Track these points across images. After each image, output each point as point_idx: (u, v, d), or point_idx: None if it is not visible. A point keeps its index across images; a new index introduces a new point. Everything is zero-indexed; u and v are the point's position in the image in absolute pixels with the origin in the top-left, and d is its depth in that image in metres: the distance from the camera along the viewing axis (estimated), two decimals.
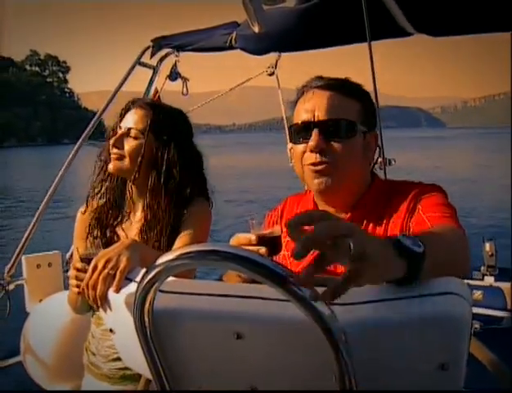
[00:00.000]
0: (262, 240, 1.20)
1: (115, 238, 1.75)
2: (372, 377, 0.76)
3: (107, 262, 1.14)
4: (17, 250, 2.81)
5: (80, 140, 2.98)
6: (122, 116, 1.75)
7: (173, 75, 3.32)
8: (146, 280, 0.89)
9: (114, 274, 1.10)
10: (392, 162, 2.35)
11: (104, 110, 3.05)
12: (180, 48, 3.17)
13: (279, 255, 1.30)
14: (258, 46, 2.72)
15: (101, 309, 1.14)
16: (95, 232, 1.76)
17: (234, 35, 2.82)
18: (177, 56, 3.24)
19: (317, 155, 1.32)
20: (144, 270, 0.95)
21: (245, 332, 0.87)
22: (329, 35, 2.42)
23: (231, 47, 2.88)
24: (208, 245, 0.80)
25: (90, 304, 1.16)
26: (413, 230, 1.25)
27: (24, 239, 2.83)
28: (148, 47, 3.19)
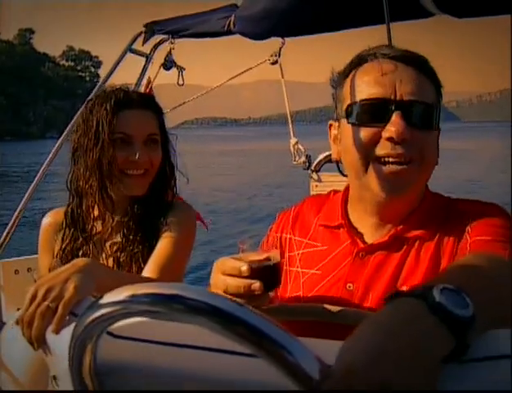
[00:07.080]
0: (255, 271, 0.89)
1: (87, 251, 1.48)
2: None
3: (48, 291, 0.86)
4: None
5: (65, 132, 2.72)
6: (112, 118, 1.41)
7: (168, 64, 3.03)
8: (87, 321, 0.63)
9: (56, 308, 0.83)
10: None
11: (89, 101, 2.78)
12: (174, 34, 2.89)
13: (278, 289, 1.06)
14: (259, 29, 2.43)
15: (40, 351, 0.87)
16: (68, 235, 1.48)
17: (232, 18, 2.55)
18: (172, 42, 2.96)
19: (398, 146, 1.01)
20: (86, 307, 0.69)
21: None
22: (340, 16, 2.13)
23: (229, 32, 2.60)
24: (170, 286, 0.53)
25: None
26: (457, 257, 0.99)
27: (1, 241, 2.57)
28: (140, 33, 2.92)
